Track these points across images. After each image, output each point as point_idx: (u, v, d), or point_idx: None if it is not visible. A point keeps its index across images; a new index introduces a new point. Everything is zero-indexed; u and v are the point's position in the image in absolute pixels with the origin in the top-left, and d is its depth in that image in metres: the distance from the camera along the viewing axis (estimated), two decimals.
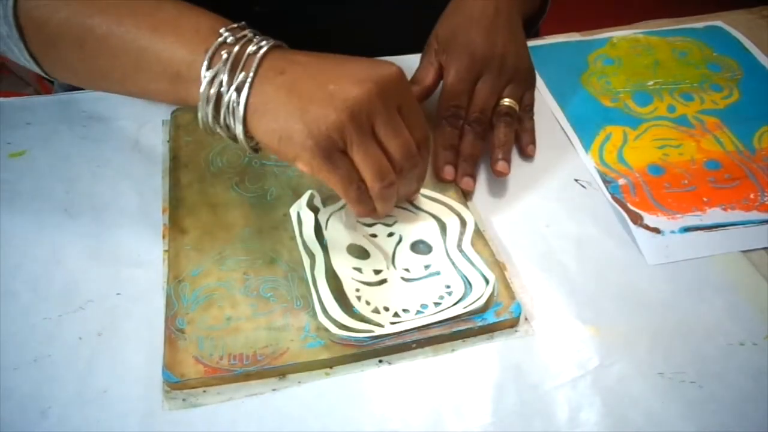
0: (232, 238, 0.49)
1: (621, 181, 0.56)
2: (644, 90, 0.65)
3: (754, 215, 0.53)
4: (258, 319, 0.44)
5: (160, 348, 0.43)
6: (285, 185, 0.54)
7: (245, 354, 0.42)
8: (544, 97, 0.64)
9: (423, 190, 0.52)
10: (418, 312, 0.45)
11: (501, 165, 0.55)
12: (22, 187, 0.54)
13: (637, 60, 0.69)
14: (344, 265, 0.47)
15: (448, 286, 0.47)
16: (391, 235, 0.50)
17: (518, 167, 0.57)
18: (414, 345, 0.44)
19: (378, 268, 0.47)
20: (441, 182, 0.54)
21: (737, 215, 0.53)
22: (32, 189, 0.54)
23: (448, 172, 0.54)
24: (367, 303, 0.45)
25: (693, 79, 0.67)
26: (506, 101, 0.57)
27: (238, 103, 0.41)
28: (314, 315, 0.44)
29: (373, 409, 0.41)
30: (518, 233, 0.52)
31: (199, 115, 0.43)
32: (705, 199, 0.54)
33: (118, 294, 0.47)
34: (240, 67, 0.42)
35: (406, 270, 0.48)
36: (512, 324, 0.45)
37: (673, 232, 0.52)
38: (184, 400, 0.41)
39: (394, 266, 0.48)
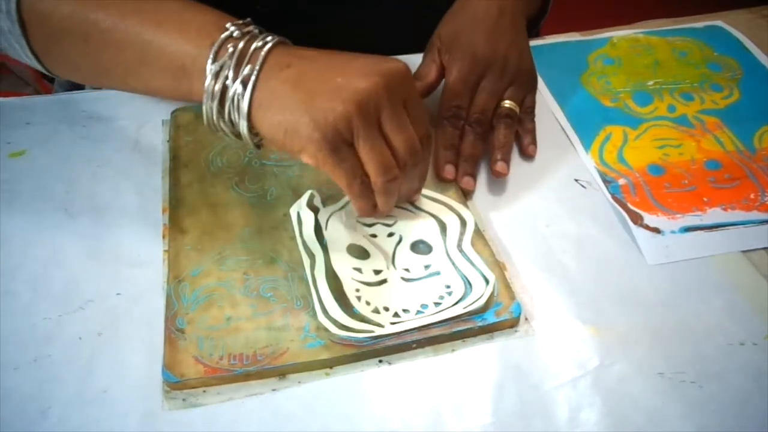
0: (232, 238, 0.49)
1: (621, 181, 0.56)
2: (644, 90, 0.65)
3: (754, 215, 0.53)
4: (258, 319, 0.44)
5: (160, 348, 0.43)
6: (285, 185, 0.54)
7: (245, 354, 0.42)
8: (544, 97, 0.64)
9: (423, 190, 0.52)
10: (418, 312, 0.45)
11: (500, 166, 0.55)
12: (22, 187, 0.54)
13: (637, 60, 0.69)
14: (344, 265, 0.47)
15: (448, 286, 0.47)
16: (391, 235, 0.50)
17: (518, 167, 0.57)
18: (414, 345, 0.44)
19: (378, 268, 0.47)
20: (441, 182, 0.54)
21: (737, 215, 0.53)
22: (32, 189, 0.54)
23: (449, 171, 0.54)
24: (367, 303, 0.45)
25: (693, 78, 0.66)
26: (507, 103, 0.57)
27: (243, 96, 0.41)
28: (314, 315, 0.44)
29: (373, 409, 0.41)
30: (518, 233, 0.52)
31: (204, 108, 0.43)
32: (705, 199, 0.54)
33: (118, 294, 0.47)
34: (246, 61, 0.42)
35: (406, 270, 0.48)
36: (512, 324, 0.45)
37: (673, 232, 0.52)
38: (184, 400, 0.41)
39: (394, 266, 0.48)
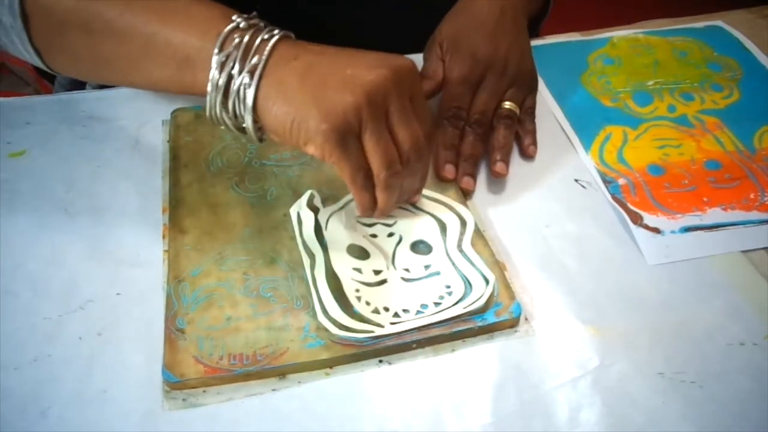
0: (232, 238, 0.49)
1: (621, 181, 0.56)
2: (644, 90, 0.65)
3: (754, 215, 0.53)
4: (258, 319, 0.44)
5: (160, 348, 0.43)
6: (285, 185, 0.54)
7: (245, 354, 0.42)
8: (544, 97, 0.64)
9: (423, 191, 0.52)
10: (418, 312, 0.45)
11: (499, 166, 0.55)
12: (22, 187, 0.54)
13: (637, 60, 0.69)
14: (344, 265, 0.47)
15: (448, 286, 0.47)
16: (391, 235, 0.50)
17: (518, 167, 0.57)
18: (414, 345, 0.44)
19: (378, 268, 0.47)
20: (441, 182, 0.54)
21: (737, 215, 0.53)
22: (32, 189, 0.54)
23: (449, 170, 0.54)
24: (367, 303, 0.45)
25: (693, 78, 0.66)
26: (507, 104, 0.57)
27: (250, 86, 0.41)
28: (314, 315, 0.44)
29: (373, 409, 0.41)
30: (518, 233, 0.52)
31: (207, 100, 0.43)
32: (705, 199, 0.54)
33: (118, 294, 0.47)
34: (252, 52, 0.42)
35: (406, 270, 0.48)
36: (512, 324, 0.45)
37: (673, 232, 0.52)
38: (184, 400, 0.41)
39: (394, 266, 0.48)
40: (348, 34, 0.53)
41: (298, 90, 0.41)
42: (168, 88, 0.45)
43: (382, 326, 0.43)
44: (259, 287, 0.46)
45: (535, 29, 0.71)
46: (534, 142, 0.58)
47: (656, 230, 0.52)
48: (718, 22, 0.74)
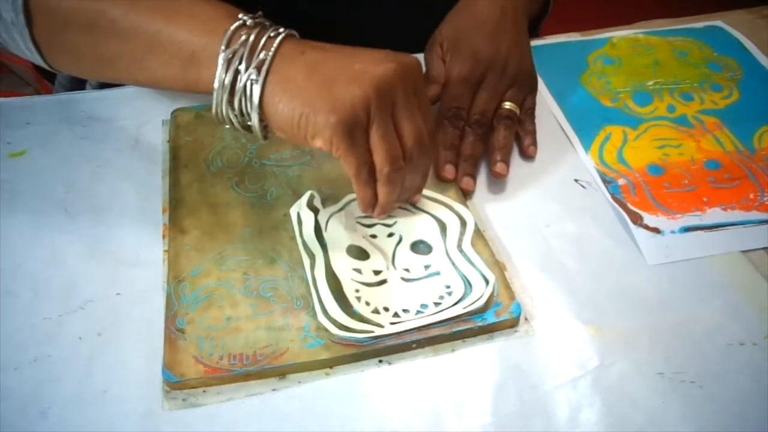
0: (232, 238, 0.49)
1: (621, 181, 0.56)
2: (644, 90, 0.65)
3: (754, 215, 0.53)
4: (258, 319, 0.44)
5: (160, 348, 0.43)
6: (285, 185, 0.54)
7: (245, 354, 0.42)
8: (544, 97, 0.64)
9: (423, 191, 0.52)
10: (418, 312, 0.45)
11: (499, 167, 0.55)
12: (22, 187, 0.54)
13: (637, 60, 0.69)
14: (343, 266, 0.47)
15: (448, 286, 0.47)
16: (391, 235, 0.50)
17: (518, 167, 0.57)
18: (414, 345, 0.44)
19: (378, 268, 0.47)
20: (441, 182, 0.54)
21: (737, 215, 0.53)
22: (32, 189, 0.54)
23: (449, 171, 0.54)
24: (367, 303, 0.45)
25: (693, 79, 0.67)
26: (507, 105, 0.57)
27: (257, 82, 0.41)
28: (314, 315, 0.44)
29: (373, 409, 0.41)
30: (518, 233, 0.52)
31: (213, 97, 0.43)
32: (705, 199, 0.54)
33: (118, 294, 0.47)
34: (259, 49, 0.42)
35: (406, 270, 0.48)
36: (512, 324, 0.45)
37: (673, 232, 0.52)
38: (184, 400, 0.41)
39: (394, 266, 0.48)
40: (348, 34, 0.53)
41: (306, 85, 0.41)
42: (172, 86, 0.45)
43: (382, 326, 0.43)
44: (259, 287, 0.46)
45: (535, 29, 0.71)
46: (534, 143, 0.58)
47: (656, 230, 0.52)
48: (718, 23, 0.74)
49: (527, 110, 0.59)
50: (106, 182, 0.54)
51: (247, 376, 0.42)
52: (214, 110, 0.43)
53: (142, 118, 0.60)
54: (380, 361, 0.43)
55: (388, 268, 0.48)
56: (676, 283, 0.48)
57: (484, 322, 0.44)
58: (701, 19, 0.75)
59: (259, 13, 0.44)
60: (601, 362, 0.44)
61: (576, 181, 0.56)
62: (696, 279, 0.49)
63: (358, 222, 0.51)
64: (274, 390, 0.42)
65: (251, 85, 0.42)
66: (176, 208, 0.51)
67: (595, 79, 0.67)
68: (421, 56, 0.60)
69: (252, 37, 0.42)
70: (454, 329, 0.44)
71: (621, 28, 0.73)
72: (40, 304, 0.46)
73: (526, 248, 0.51)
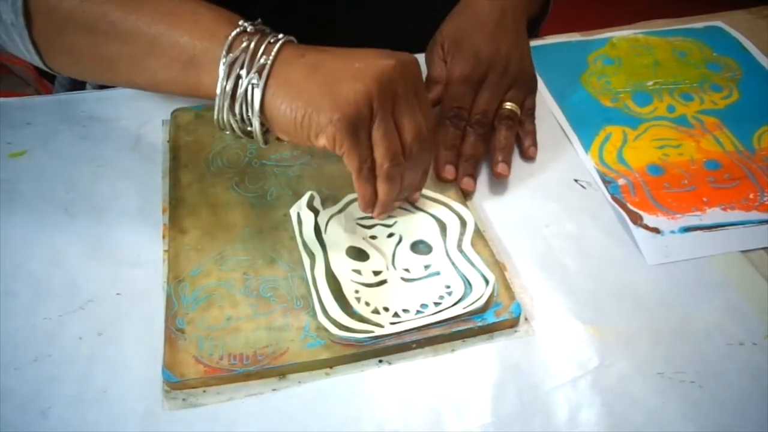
0: (232, 238, 0.49)
1: (621, 181, 0.56)
2: (644, 90, 0.65)
3: (754, 215, 0.53)
4: (258, 319, 0.44)
5: (160, 348, 0.43)
6: (285, 185, 0.54)
7: (245, 354, 0.42)
8: (544, 97, 0.64)
9: (423, 191, 0.52)
10: (418, 312, 0.45)
11: (501, 167, 0.55)
12: (22, 187, 0.54)
13: (637, 60, 0.69)
14: (343, 267, 0.47)
15: (448, 287, 0.47)
16: (391, 235, 0.50)
17: (518, 167, 0.57)
18: (414, 345, 0.44)
19: (377, 269, 0.47)
20: (441, 182, 0.54)
21: (737, 215, 0.53)
22: (32, 189, 0.54)
23: (449, 171, 0.54)
24: (367, 304, 0.45)
25: (693, 79, 0.67)
26: (508, 105, 0.57)
27: (258, 85, 0.42)
28: (314, 315, 0.44)
29: (373, 409, 0.41)
30: (518, 233, 0.52)
31: (215, 103, 0.43)
32: (705, 199, 0.54)
33: (118, 294, 0.47)
34: (260, 54, 0.42)
35: (406, 270, 0.48)
36: (512, 324, 0.45)
37: (672, 232, 0.52)
38: (184, 400, 0.41)
39: (394, 266, 0.48)
40: (348, 34, 0.53)
41: (307, 85, 0.42)
42: (171, 90, 0.45)
43: (381, 326, 0.43)
44: (259, 287, 0.46)
45: (535, 30, 0.71)
46: (534, 144, 0.58)
47: (656, 230, 0.52)
48: (718, 23, 0.74)
49: (527, 111, 0.59)
50: (107, 182, 0.54)
51: (247, 376, 0.42)
52: (215, 116, 0.44)
53: (142, 118, 0.60)
54: (380, 361, 0.43)
55: (387, 269, 0.48)
56: (675, 283, 0.48)
57: (484, 322, 0.44)
58: (701, 19, 0.75)
59: (259, 20, 0.44)
60: (601, 362, 0.44)
61: (576, 181, 0.56)
62: (696, 279, 0.49)
63: (357, 223, 0.51)
64: (274, 390, 0.42)
65: (252, 89, 0.42)
66: (176, 208, 0.51)
67: (595, 79, 0.67)
68: (421, 56, 0.60)
69: (252, 44, 0.42)
70: (454, 329, 0.44)
71: (621, 28, 0.73)
72: (40, 304, 0.46)
73: (526, 248, 0.51)
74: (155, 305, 0.46)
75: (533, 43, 0.66)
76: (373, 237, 0.50)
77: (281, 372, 0.42)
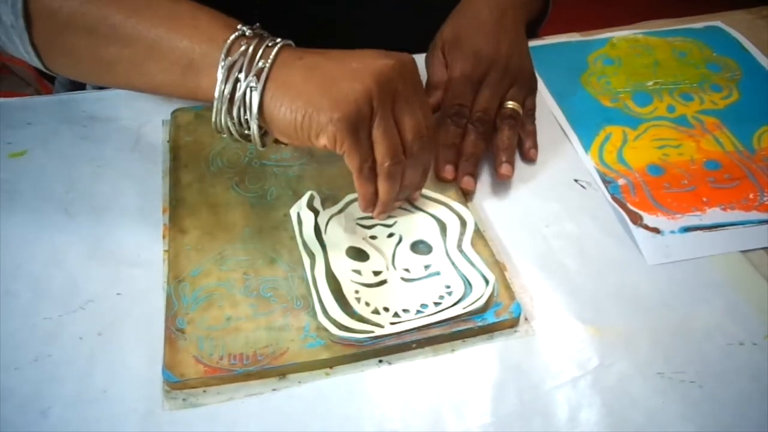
0: (232, 238, 0.49)
1: (621, 181, 0.56)
2: (644, 90, 0.65)
3: (754, 215, 0.53)
4: (258, 319, 0.44)
5: (160, 348, 0.43)
6: (285, 185, 0.54)
7: (245, 354, 0.42)
8: (544, 97, 0.64)
9: (423, 190, 0.52)
10: (418, 312, 0.45)
11: (505, 168, 0.55)
12: (22, 187, 0.54)
13: (637, 60, 0.69)
14: (343, 268, 0.47)
15: (448, 286, 0.47)
16: (391, 235, 0.50)
17: (518, 168, 0.57)
18: (414, 345, 0.44)
19: (377, 269, 0.47)
20: (441, 182, 0.54)
21: (737, 215, 0.53)
22: (32, 189, 0.54)
23: (449, 171, 0.54)
24: (367, 304, 0.45)
25: (693, 79, 0.67)
26: (510, 104, 0.57)
27: (256, 88, 0.42)
28: (314, 315, 0.44)
29: (373, 409, 0.41)
30: (518, 233, 0.52)
31: (213, 106, 0.43)
32: (704, 199, 0.54)
33: (118, 294, 0.47)
34: (258, 57, 0.42)
35: (406, 270, 0.48)
36: (512, 324, 0.45)
37: (672, 232, 0.52)
38: (184, 400, 0.41)
39: (394, 266, 0.48)
40: (348, 34, 0.53)
41: (306, 86, 0.42)
42: (170, 92, 0.46)
43: (381, 326, 0.43)
44: (259, 287, 0.46)
45: (534, 33, 0.71)
46: (535, 145, 0.58)
47: (656, 230, 0.52)
48: (718, 23, 0.74)
49: (528, 111, 0.59)
50: (107, 182, 0.54)
51: (247, 376, 0.42)
52: (213, 120, 0.44)
53: (142, 118, 0.60)
54: (380, 361, 0.43)
55: (387, 269, 0.48)
56: (675, 283, 0.48)
57: (484, 322, 0.44)
58: (701, 19, 0.75)
59: (257, 24, 0.45)
60: (601, 362, 0.44)
61: (576, 181, 0.56)
62: (696, 279, 0.49)
63: (357, 223, 0.51)
64: (274, 390, 0.42)
65: (250, 92, 0.42)
66: (176, 208, 0.51)
67: (595, 79, 0.67)
68: (421, 57, 0.60)
69: (251, 48, 0.42)
70: (454, 329, 0.44)
71: (621, 29, 0.73)
72: (40, 304, 0.46)
73: (526, 248, 0.51)
74: (155, 305, 0.46)
75: (533, 43, 0.66)
76: (373, 237, 0.50)
77: (281, 372, 0.42)
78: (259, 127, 0.43)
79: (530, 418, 0.41)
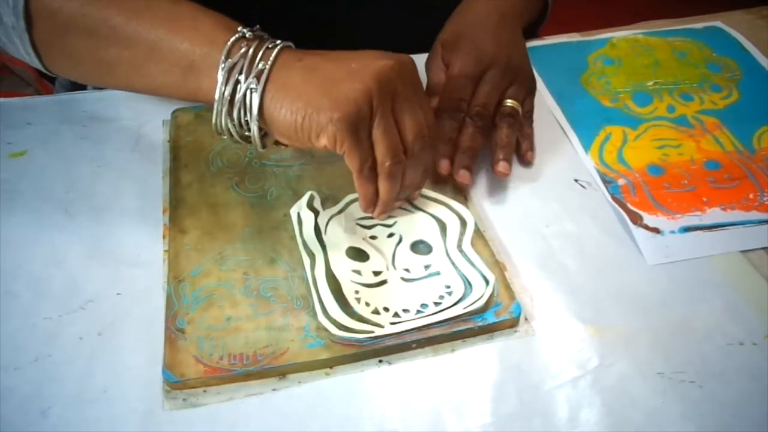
0: (232, 238, 0.49)
1: (621, 181, 0.56)
2: (644, 90, 0.65)
3: (754, 215, 0.53)
4: (258, 319, 0.44)
5: (160, 348, 0.43)
6: (285, 185, 0.54)
7: (245, 354, 0.42)
8: (543, 97, 0.64)
9: (423, 190, 0.52)
10: (418, 312, 0.45)
11: (502, 165, 0.55)
12: (22, 187, 0.54)
13: (636, 60, 0.69)
14: (343, 268, 0.47)
15: (448, 286, 0.47)
16: (391, 235, 0.50)
17: (518, 168, 0.57)
18: (414, 345, 0.44)
19: (377, 269, 0.47)
20: (440, 182, 0.54)
21: (737, 215, 0.53)
22: (32, 189, 0.54)
23: (444, 165, 0.53)
24: (367, 304, 0.45)
25: (692, 79, 0.67)
26: (509, 102, 0.57)
27: (256, 90, 0.42)
28: (314, 315, 0.44)
29: (373, 409, 0.41)
30: (518, 233, 0.52)
31: (214, 108, 0.43)
32: (704, 199, 0.54)
33: (118, 294, 0.47)
34: (258, 59, 0.43)
35: (406, 270, 0.48)
36: (512, 324, 0.45)
37: (672, 232, 0.52)
38: (184, 400, 0.41)
39: (394, 266, 0.48)
40: (348, 34, 0.53)
41: (306, 87, 0.42)
42: (170, 94, 0.46)
43: (382, 326, 0.44)
44: (259, 287, 0.46)
45: (534, 33, 0.71)
46: (532, 148, 0.58)
47: (656, 230, 0.52)
48: (717, 23, 0.74)
49: (526, 113, 0.59)
50: (107, 182, 0.54)
51: (247, 376, 0.42)
52: (213, 121, 0.44)
53: (142, 118, 0.60)
54: (380, 361, 0.43)
55: (387, 269, 0.48)
56: (675, 283, 0.48)
57: (484, 322, 0.44)
58: (701, 19, 0.75)
59: (257, 26, 0.45)
60: (601, 362, 0.44)
61: (576, 181, 0.56)
62: (695, 279, 0.49)
63: (357, 223, 0.51)
64: (274, 390, 0.42)
65: (250, 94, 0.42)
66: (176, 208, 0.51)
67: (595, 79, 0.67)
68: (421, 57, 0.60)
69: (251, 49, 0.43)
70: (454, 329, 0.44)
71: (621, 29, 0.73)
72: (40, 304, 0.46)
73: (526, 248, 0.51)
74: (155, 305, 0.46)
75: (533, 43, 0.67)
76: (373, 237, 0.50)
77: (281, 372, 0.42)
78: (260, 129, 0.44)
79: (530, 418, 0.41)
